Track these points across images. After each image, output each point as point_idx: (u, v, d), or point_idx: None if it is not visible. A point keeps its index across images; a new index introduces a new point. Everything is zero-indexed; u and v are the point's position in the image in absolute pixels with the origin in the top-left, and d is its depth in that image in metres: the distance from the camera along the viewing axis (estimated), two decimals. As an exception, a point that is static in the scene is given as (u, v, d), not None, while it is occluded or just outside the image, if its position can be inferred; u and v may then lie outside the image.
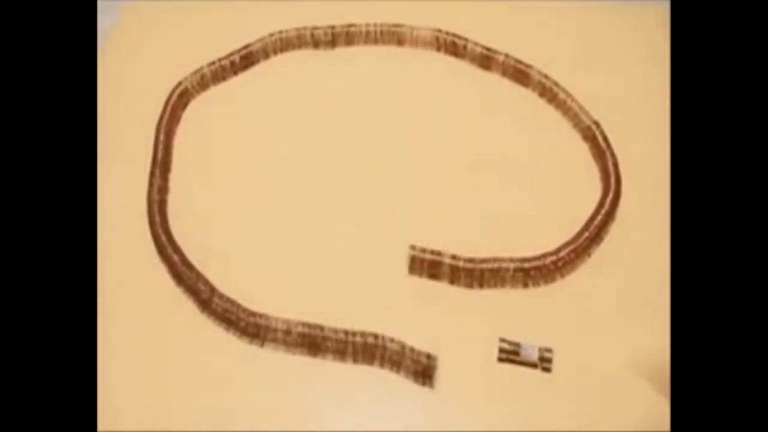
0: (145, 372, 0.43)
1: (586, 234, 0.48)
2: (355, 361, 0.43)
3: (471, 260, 0.46)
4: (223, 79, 0.59)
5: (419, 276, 0.46)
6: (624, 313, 0.45)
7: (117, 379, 0.41)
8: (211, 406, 0.41)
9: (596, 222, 0.48)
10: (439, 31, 0.60)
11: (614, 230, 0.49)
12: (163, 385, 0.42)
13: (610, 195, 0.50)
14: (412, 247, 0.46)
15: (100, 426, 0.35)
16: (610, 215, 0.49)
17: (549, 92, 0.57)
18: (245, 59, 0.59)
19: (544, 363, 0.42)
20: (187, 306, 0.45)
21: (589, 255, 0.48)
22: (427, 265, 0.46)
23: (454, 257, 0.46)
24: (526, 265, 0.46)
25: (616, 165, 0.52)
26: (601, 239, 0.49)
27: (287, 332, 0.43)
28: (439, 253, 0.46)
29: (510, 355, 0.42)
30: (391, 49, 0.61)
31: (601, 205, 0.50)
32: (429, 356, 0.42)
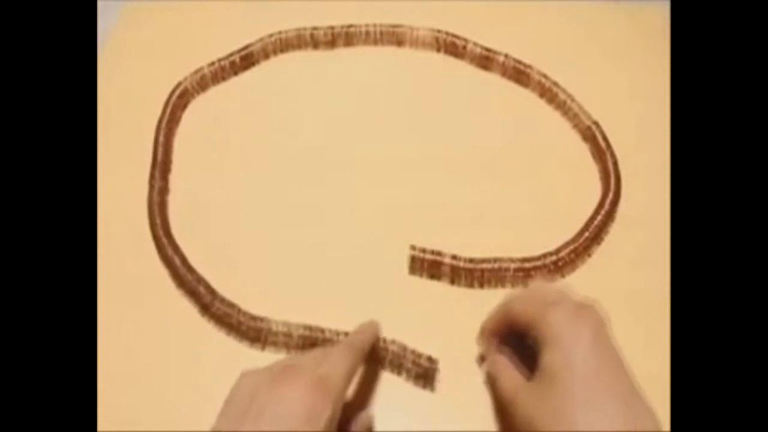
0: (145, 374, 0.43)
1: (586, 234, 0.48)
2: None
3: (471, 260, 0.46)
4: (223, 79, 0.59)
5: (419, 276, 0.46)
6: (624, 313, 0.44)
7: (117, 381, 0.41)
8: (211, 408, 0.41)
9: (596, 222, 0.48)
10: (439, 31, 0.60)
11: (614, 230, 0.49)
12: (163, 387, 0.42)
13: (610, 195, 0.50)
14: (412, 247, 0.46)
15: (100, 426, 0.35)
16: (610, 215, 0.49)
17: (549, 92, 0.57)
18: (245, 59, 0.59)
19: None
20: (188, 309, 0.45)
21: (589, 255, 0.48)
22: (427, 265, 0.46)
23: (454, 257, 0.46)
24: (527, 265, 0.46)
25: (616, 165, 0.52)
26: (601, 239, 0.49)
27: (288, 335, 0.43)
28: (439, 253, 0.46)
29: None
30: (391, 50, 0.61)
31: (601, 205, 0.50)
32: (430, 359, 0.42)
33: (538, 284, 0.40)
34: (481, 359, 0.43)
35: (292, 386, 0.33)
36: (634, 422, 0.32)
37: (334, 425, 0.33)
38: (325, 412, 0.32)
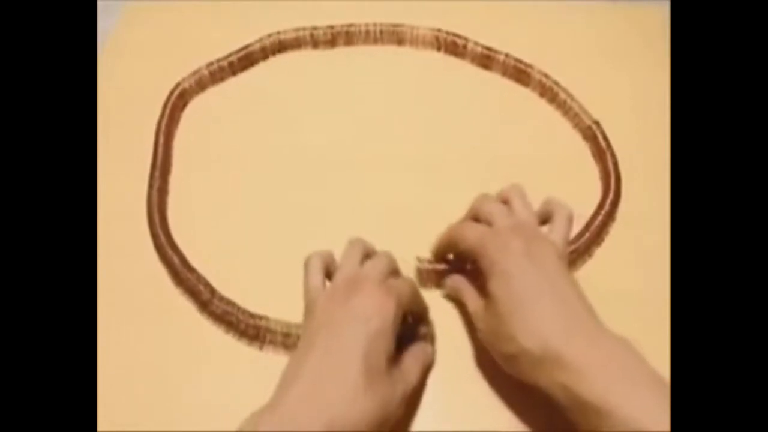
0: (145, 373, 0.43)
1: (587, 235, 0.48)
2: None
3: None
4: (222, 79, 0.59)
5: (427, 288, 0.46)
6: (624, 313, 0.44)
7: (117, 380, 0.41)
8: (211, 408, 0.41)
9: (597, 222, 0.48)
10: (439, 30, 0.60)
11: (614, 230, 0.49)
12: (162, 386, 0.42)
13: (611, 195, 0.50)
14: (419, 260, 0.46)
15: (100, 426, 0.35)
16: (610, 215, 0.49)
17: (549, 92, 0.57)
18: (244, 60, 0.59)
19: None
20: (187, 307, 0.45)
21: (590, 255, 0.48)
22: (435, 276, 0.46)
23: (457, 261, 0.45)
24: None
25: (616, 165, 0.52)
26: (602, 240, 0.49)
27: (287, 335, 0.43)
28: (446, 262, 0.46)
29: None
30: (391, 49, 0.61)
31: (601, 205, 0.49)
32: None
33: (479, 202, 0.42)
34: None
35: (364, 291, 0.37)
36: (573, 328, 0.35)
37: (396, 331, 0.36)
38: (392, 309, 0.36)
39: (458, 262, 0.45)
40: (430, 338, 0.43)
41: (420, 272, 0.46)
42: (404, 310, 0.38)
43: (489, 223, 0.41)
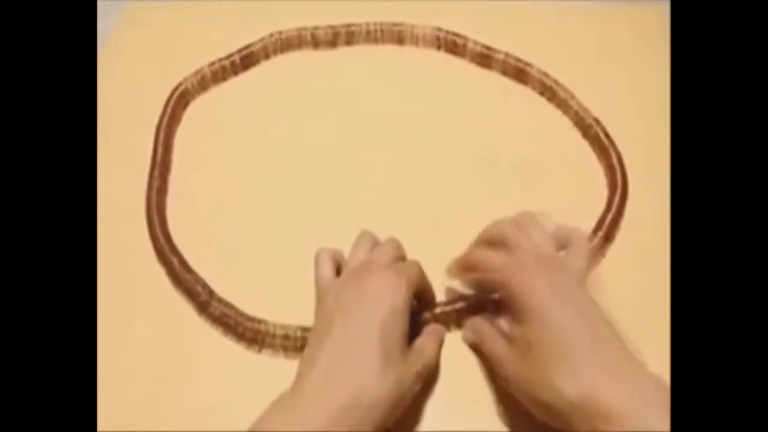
0: (144, 373, 0.43)
1: (601, 233, 0.48)
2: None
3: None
4: (224, 79, 0.59)
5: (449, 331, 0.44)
6: (639, 312, 0.44)
7: (116, 380, 0.41)
8: (209, 408, 0.41)
9: (608, 220, 0.48)
10: (439, 29, 0.60)
11: (622, 228, 0.49)
12: (161, 386, 0.42)
13: (618, 191, 0.50)
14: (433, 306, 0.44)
15: (100, 426, 0.35)
16: (620, 212, 0.49)
17: (549, 90, 0.57)
18: (245, 60, 0.59)
19: None
20: (185, 308, 0.45)
21: (603, 255, 0.48)
22: (455, 315, 0.44)
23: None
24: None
25: (620, 160, 0.52)
26: (614, 237, 0.48)
27: (286, 337, 0.43)
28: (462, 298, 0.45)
29: None
30: (392, 48, 0.61)
31: (610, 201, 0.50)
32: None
33: (493, 227, 0.42)
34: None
35: (374, 274, 0.38)
36: (612, 372, 0.34)
37: (409, 311, 0.38)
38: (403, 289, 0.37)
39: (474, 295, 0.44)
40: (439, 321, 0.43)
41: (437, 317, 0.44)
42: (414, 290, 0.39)
43: (505, 247, 0.40)
